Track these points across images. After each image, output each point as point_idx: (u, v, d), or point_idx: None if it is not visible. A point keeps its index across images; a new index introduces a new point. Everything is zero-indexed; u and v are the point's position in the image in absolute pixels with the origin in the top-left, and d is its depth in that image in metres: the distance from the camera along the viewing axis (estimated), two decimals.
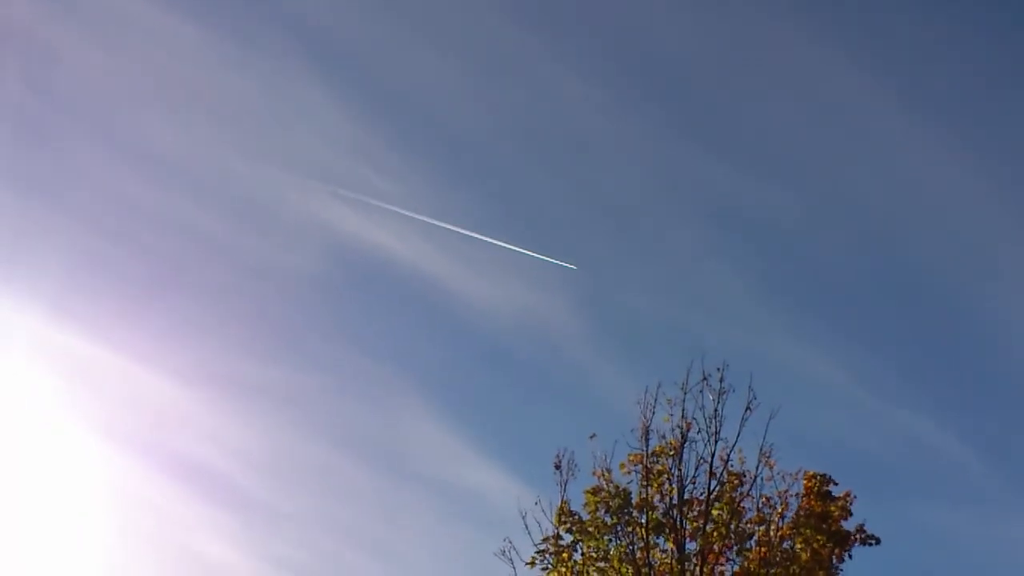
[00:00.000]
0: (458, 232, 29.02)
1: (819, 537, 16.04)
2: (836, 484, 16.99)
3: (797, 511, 16.31)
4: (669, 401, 15.90)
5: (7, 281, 27.95)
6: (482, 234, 29.32)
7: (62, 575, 26.24)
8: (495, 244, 28.10)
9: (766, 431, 15.82)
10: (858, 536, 16.80)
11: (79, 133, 30.94)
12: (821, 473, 16.90)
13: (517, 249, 27.87)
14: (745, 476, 15.90)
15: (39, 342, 27.44)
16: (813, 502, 16.48)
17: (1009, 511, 29.21)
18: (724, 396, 15.89)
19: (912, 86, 33.80)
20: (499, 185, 34.61)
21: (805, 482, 16.67)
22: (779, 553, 15.68)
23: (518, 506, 15.81)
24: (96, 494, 28.07)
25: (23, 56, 28.28)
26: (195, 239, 31.87)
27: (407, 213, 29.30)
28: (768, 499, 16.11)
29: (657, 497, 15.64)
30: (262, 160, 31.34)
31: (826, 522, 16.41)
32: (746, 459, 15.96)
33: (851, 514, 16.90)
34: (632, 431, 15.87)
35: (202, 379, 29.84)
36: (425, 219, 29.58)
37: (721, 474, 15.64)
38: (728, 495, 15.65)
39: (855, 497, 16.98)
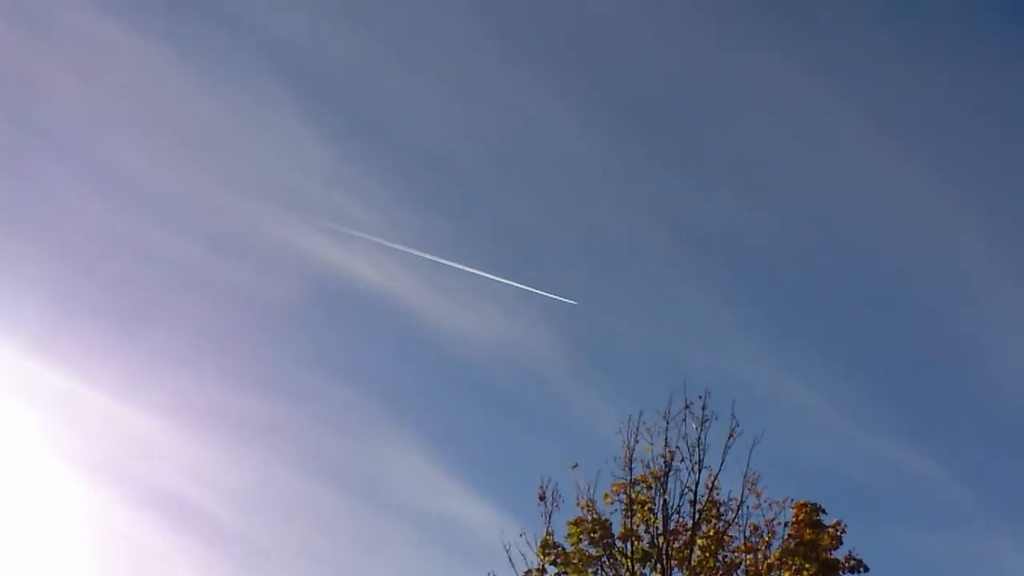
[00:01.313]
0: (436, 261, 28.89)
1: (808, 566, 15.80)
2: (826, 513, 16.85)
3: (785, 539, 16.09)
4: (649, 430, 15.81)
5: None
6: (460, 263, 29.18)
7: None
8: (473, 273, 27.98)
9: (749, 458, 15.77)
10: (847, 564, 16.59)
11: (54, 163, 30.85)
12: (812, 502, 16.73)
13: (496, 278, 27.77)
14: (730, 504, 15.68)
15: (17, 375, 27.18)
16: (804, 531, 16.28)
17: (990, 533, 29.18)
18: (707, 424, 15.81)
19: (888, 106, 34.00)
20: (477, 213, 34.61)
21: (795, 511, 16.48)
22: None
23: (502, 538, 15.66)
24: (73, 527, 27.74)
25: (3, 89, 28.14)
26: (172, 270, 31.69)
27: (385, 243, 29.17)
28: (756, 527, 15.90)
29: (642, 527, 15.45)
30: (239, 189, 31.24)
31: (815, 551, 16.19)
32: (731, 487, 15.76)
33: (842, 543, 16.73)
34: (615, 459, 15.75)
35: (180, 411, 29.55)
36: (402, 248, 29.46)
37: (705, 503, 15.41)
38: (714, 524, 15.42)
39: (846, 527, 16.82)
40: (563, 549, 15.56)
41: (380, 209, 32.57)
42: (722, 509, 15.68)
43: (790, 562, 15.78)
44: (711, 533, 15.45)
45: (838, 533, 16.70)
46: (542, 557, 15.50)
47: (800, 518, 16.40)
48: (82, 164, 30.93)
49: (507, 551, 15.46)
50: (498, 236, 34.59)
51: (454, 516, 29.16)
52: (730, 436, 15.65)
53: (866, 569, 16.69)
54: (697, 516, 15.39)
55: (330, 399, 32.18)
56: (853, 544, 16.71)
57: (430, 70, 33.38)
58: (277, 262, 31.62)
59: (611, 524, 15.48)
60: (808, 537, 16.19)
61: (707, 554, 15.33)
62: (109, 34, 30.27)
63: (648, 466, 15.59)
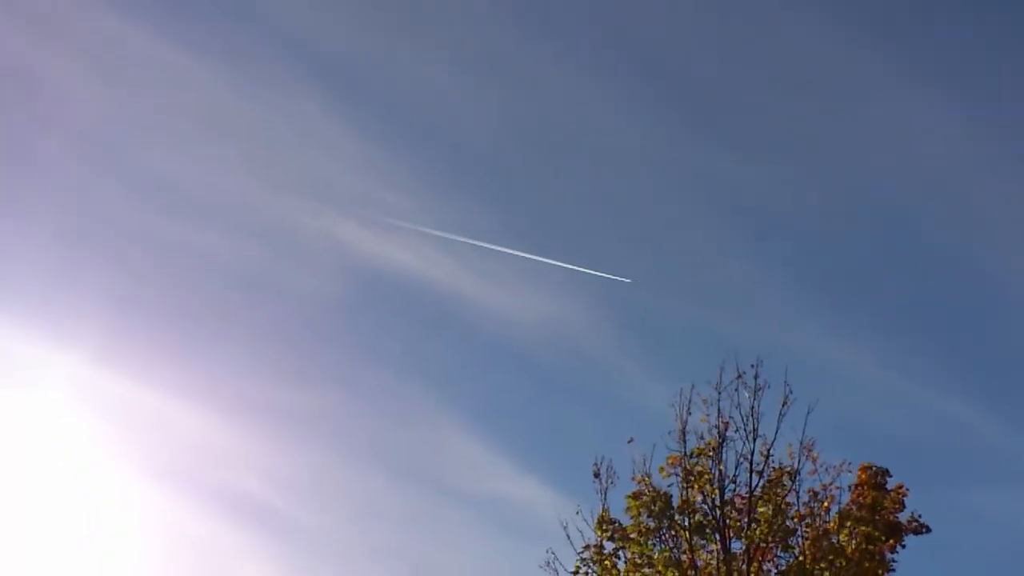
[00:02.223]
0: (475, 244, 28.93)
1: (864, 529, 15.73)
2: (891, 476, 16.77)
3: (846, 504, 16.03)
4: (704, 401, 15.72)
5: (47, 325, 28.27)
6: (500, 245, 29.22)
7: None
8: (514, 255, 27.96)
9: (805, 425, 15.59)
10: (910, 526, 16.52)
11: (96, 171, 31.26)
12: (877, 466, 16.64)
13: (537, 259, 27.71)
14: (786, 471, 15.60)
15: (78, 383, 27.71)
16: (866, 494, 16.19)
17: None
18: (760, 393, 15.68)
19: (935, 69, 33.43)
20: (514, 194, 34.60)
21: (860, 473, 16.40)
22: (827, 547, 15.35)
23: (558, 516, 15.73)
24: (138, 531, 28.24)
25: (31, 97, 28.63)
26: (218, 271, 32.17)
27: (424, 229, 29.26)
28: (815, 493, 15.80)
29: (699, 498, 15.42)
30: (277, 186, 31.53)
31: (878, 514, 16.11)
32: (786, 455, 15.69)
33: (904, 506, 16.65)
34: (669, 433, 15.72)
35: (238, 410, 30.02)
36: (440, 233, 29.54)
37: (764, 470, 15.35)
38: (772, 491, 15.36)
39: (908, 490, 16.72)
40: (620, 524, 15.60)
41: (417, 197, 32.73)
42: (781, 476, 15.58)
43: (849, 526, 15.72)
44: (770, 500, 15.38)
45: (900, 496, 16.64)
46: (599, 533, 15.56)
47: (864, 480, 16.33)
48: (123, 170, 31.41)
49: (564, 528, 15.57)
50: (537, 217, 34.60)
51: (509, 497, 29.33)
52: (784, 404, 15.53)
53: (928, 531, 16.63)
54: (756, 484, 15.31)
55: (381, 388, 32.48)
56: (915, 507, 16.68)
57: (460, 55, 33.42)
58: (319, 256, 31.93)
59: (671, 496, 15.46)
60: (869, 500, 16.13)
61: (765, 521, 15.29)
62: (138, 38, 30.67)
63: (702, 438, 15.57)
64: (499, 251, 28.38)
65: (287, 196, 31.65)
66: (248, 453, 29.91)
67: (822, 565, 15.14)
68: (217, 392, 29.99)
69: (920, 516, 16.65)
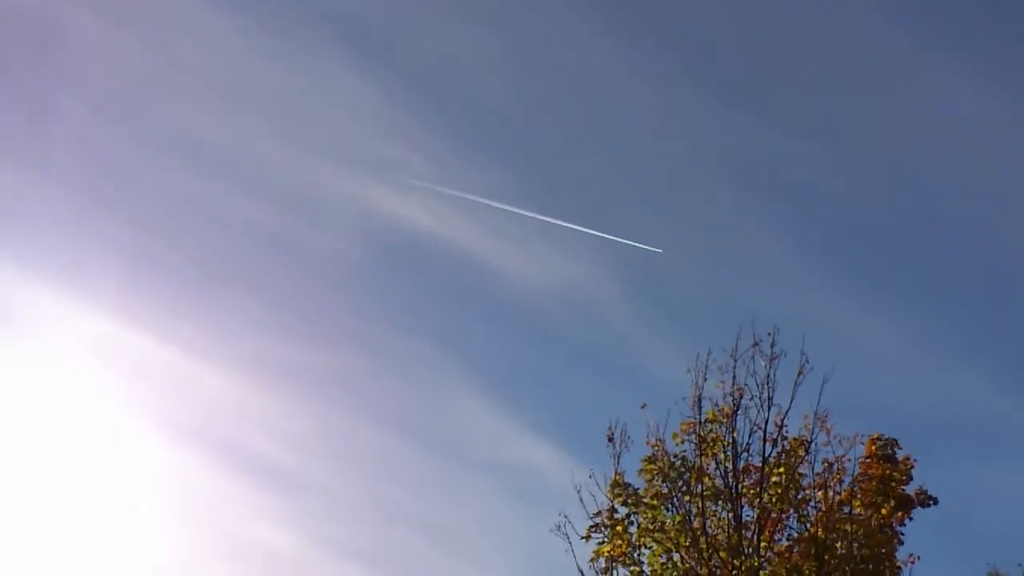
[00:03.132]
0: (496, 207, 28.86)
1: (878, 500, 15.77)
2: (901, 448, 16.78)
3: (856, 475, 16.03)
4: (720, 368, 15.61)
5: (67, 281, 28.45)
6: (521, 208, 29.13)
7: (122, 565, 26.68)
8: (535, 218, 27.88)
9: (820, 395, 15.45)
10: (918, 499, 16.57)
11: (120, 130, 31.28)
12: (887, 436, 16.63)
13: (558, 222, 27.62)
14: (801, 441, 15.61)
15: (97, 339, 27.91)
16: (875, 465, 16.21)
17: None
18: (776, 361, 15.51)
19: (964, 45, 33.07)
20: (537, 159, 34.52)
21: (869, 444, 16.40)
22: (840, 518, 15.39)
23: (572, 480, 15.68)
24: (154, 485, 28.49)
25: (57, 51, 28.59)
26: (239, 230, 32.22)
27: (445, 191, 29.20)
28: (829, 464, 15.79)
29: (712, 465, 15.42)
30: (299, 147, 31.53)
31: (887, 485, 16.14)
32: (801, 425, 15.68)
33: (911, 478, 16.67)
34: (684, 399, 15.64)
35: (254, 368, 30.18)
36: (463, 195, 29.45)
37: (778, 439, 15.35)
38: (786, 461, 15.37)
39: (916, 461, 16.73)
40: (633, 489, 15.62)
41: (440, 160, 32.70)
42: (796, 446, 15.59)
43: (860, 497, 15.75)
44: (782, 470, 15.40)
45: (908, 468, 16.66)
46: (612, 497, 15.61)
47: (873, 452, 16.34)
48: (146, 128, 31.42)
49: (578, 492, 15.52)
50: (559, 182, 34.56)
51: (523, 462, 29.49)
52: (799, 373, 15.36)
53: (935, 503, 16.68)
54: (769, 453, 15.32)
55: (398, 350, 32.62)
56: (923, 479, 16.71)
57: (485, 19, 33.23)
58: (340, 216, 31.98)
59: (687, 461, 15.48)
60: (879, 472, 16.15)
61: (778, 491, 15.31)
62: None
63: (716, 404, 15.56)
64: (520, 214, 28.32)
65: (309, 156, 31.65)
66: (263, 412, 30.10)
67: (834, 536, 15.17)
68: (234, 350, 30.20)
69: (927, 489, 16.72)
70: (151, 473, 28.68)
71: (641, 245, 26.61)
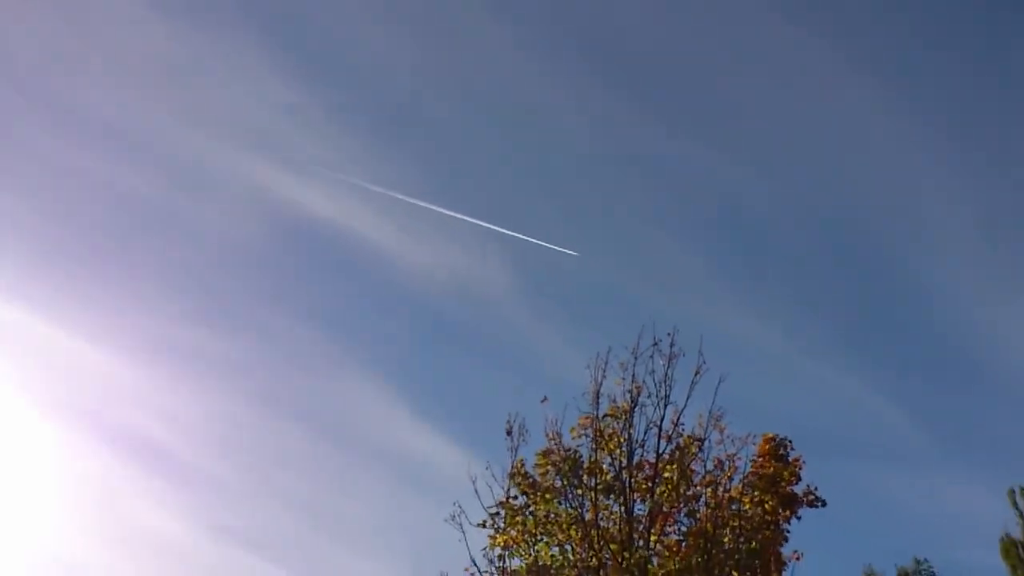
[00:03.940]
0: (399, 199, 28.77)
1: (767, 498, 16.18)
2: (793, 448, 17.23)
3: (747, 473, 16.43)
4: (621, 365, 15.92)
5: None
6: (422, 200, 29.08)
7: (9, 548, 25.84)
8: (438, 211, 27.88)
9: (715, 395, 15.92)
10: (806, 498, 17.00)
11: (17, 103, 30.17)
12: (780, 436, 17.07)
13: (459, 216, 27.65)
14: (695, 439, 15.94)
15: None
16: (767, 464, 16.62)
17: (940, 470, 30.04)
18: (674, 360, 15.96)
19: (863, 50, 34.10)
20: (440, 151, 34.54)
21: (764, 443, 16.81)
22: (730, 514, 15.75)
23: (468, 471, 15.85)
24: (41, 469, 27.67)
25: None
26: (135, 208, 31.47)
27: (344, 178, 28.96)
28: (720, 462, 16.17)
29: (607, 460, 15.66)
30: (198, 126, 30.89)
31: (776, 484, 16.57)
32: (695, 423, 16.03)
33: (800, 478, 17.13)
34: (583, 395, 15.95)
35: (145, 351, 29.52)
36: (366, 185, 29.27)
37: (673, 436, 15.66)
38: (679, 457, 15.68)
39: (804, 462, 17.20)
40: (533, 479, 15.80)
41: (342, 148, 32.49)
42: (688, 443, 15.91)
43: (750, 494, 16.15)
44: (674, 467, 15.70)
45: (797, 468, 17.12)
46: (512, 484, 15.71)
47: (767, 451, 16.76)
48: (40, 102, 30.43)
49: (473, 483, 15.71)
50: (466, 178, 34.56)
51: (415, 450, 29.50)
52: (696, 373, 15.82)
53: (824, 504, 17.15)
54: (664, 450, 15.62)
55: (292, 337, 32.30)
56: (812, 480, 17.19)
57: (395, 8, 33.04)
58: (238, 199, 31.50)
59: (580, 457, 15.68)
60: (770, 470, 16.58)
61: (670, 486, 15.62)
62: None
63: (615, 401, 15.80)
64: (422, 207, 28.26)
65: (209, 137, 31.05)
66: (155, 396, 29.46)
67: (722, 530, 15.53)
68: (124, 330, 29.47)
69: (816, 489, 17.22)
70: (32, 452, 27.85)
71: (549, 245, 26.81)
